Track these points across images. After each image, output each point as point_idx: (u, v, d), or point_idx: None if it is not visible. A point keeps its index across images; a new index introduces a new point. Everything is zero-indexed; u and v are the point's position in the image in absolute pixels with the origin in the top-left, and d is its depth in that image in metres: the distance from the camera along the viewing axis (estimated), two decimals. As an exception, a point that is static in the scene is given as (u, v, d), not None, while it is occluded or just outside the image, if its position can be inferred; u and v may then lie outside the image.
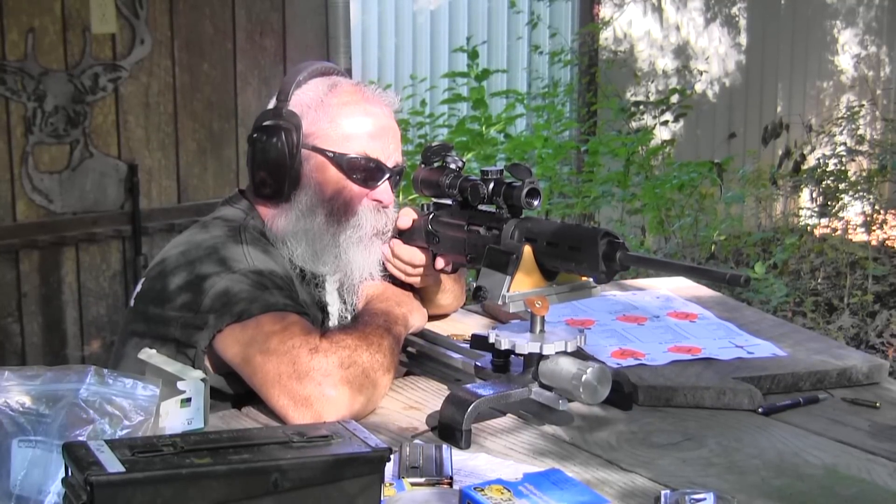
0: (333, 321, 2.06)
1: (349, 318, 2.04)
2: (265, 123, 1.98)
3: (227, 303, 1.81)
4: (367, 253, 2.00)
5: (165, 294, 1.89)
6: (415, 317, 2.03)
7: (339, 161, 1.96)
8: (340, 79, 2.05)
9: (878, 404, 1.83)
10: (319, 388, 1.71)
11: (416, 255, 2.05)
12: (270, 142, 1.95)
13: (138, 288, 1.99)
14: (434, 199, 2.01)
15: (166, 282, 1.90)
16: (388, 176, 2.00)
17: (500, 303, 1.70)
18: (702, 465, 1.59)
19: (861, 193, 6.41)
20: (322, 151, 1.97)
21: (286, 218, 1.98)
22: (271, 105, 2.01)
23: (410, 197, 4.87)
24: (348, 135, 1.97)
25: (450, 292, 2.21)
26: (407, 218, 2.05)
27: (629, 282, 2.59)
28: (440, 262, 2.02)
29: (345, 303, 2.06)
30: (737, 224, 6.13)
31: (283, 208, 1.99)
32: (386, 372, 1.80)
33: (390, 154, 2.00)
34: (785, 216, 6.88)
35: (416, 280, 2.09)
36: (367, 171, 1.98)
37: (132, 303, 1.99)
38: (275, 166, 1.96)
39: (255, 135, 1.98)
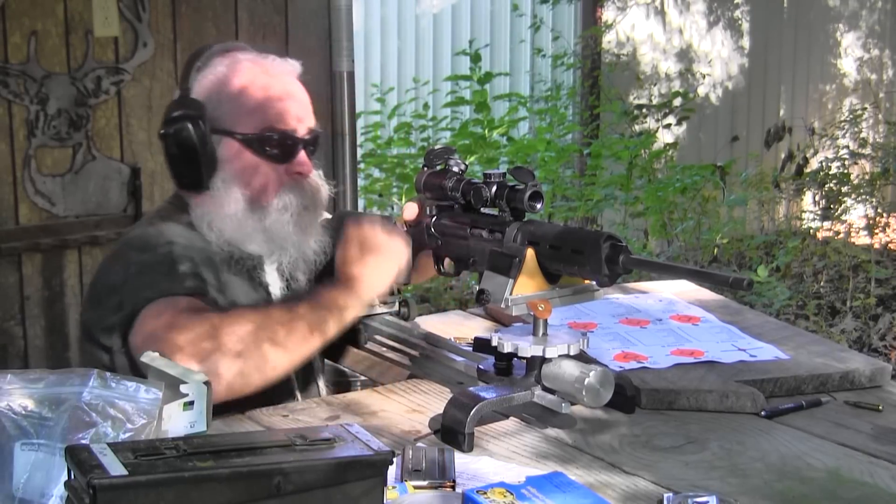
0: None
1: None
2: (171, 115, 1.96)
3: (121, 301, 1.83)
4: (299, 228, 1.98)
5: (89, 303, 1.96)
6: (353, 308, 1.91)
7: (249, 141, 1.95)
8: (239, 54, 2.01)
9: (880, 407, 1.83)
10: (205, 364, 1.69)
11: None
12: (180, 134, 1.93)
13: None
14: (437, 202, 2.01)
15: (89, 290, 1.98)
16: (301, 145, 1.98)
17: (502, 306, 1.70)
18: (704, 468, 1.59)
19: (864, 196, 6.41)
20: (231, 134, 1.95)
21: (210, 205, 1.97)
22: (175, 96, 1.99)
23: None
24: (252, 111, 1.95)
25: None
26: (410, 210, 2.02)
27: (632, 285, 2.58)
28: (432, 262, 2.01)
29: (287, 280, 2.05)
30: (739, 227, 6.13)
31: (205, 196, 1.97)
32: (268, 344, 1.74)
33: (300, 120, 1.97)
34: (787, 219, 6.89)
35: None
36: (279, 146, 1.95)
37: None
38: (188, 157, 1.94)
39: (162, 130, 1.96)
